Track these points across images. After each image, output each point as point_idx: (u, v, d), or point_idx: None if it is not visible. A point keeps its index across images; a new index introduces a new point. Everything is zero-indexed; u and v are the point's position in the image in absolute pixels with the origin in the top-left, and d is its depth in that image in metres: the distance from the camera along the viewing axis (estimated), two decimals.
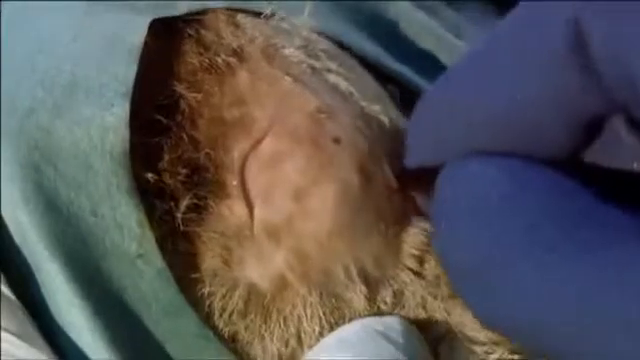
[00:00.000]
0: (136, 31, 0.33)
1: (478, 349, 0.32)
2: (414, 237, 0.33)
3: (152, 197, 0.32)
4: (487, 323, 0.25)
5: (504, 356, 0.32)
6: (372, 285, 0.32)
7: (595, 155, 0.24)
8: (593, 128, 0.23)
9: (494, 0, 0.52)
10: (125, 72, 0.32)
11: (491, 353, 0.32)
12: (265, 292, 0.32)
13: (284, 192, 0.32)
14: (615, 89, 0.21)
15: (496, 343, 0.32)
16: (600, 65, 0.21)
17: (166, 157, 0.32)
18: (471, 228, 0.24)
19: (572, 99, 0.22)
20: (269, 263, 0.32)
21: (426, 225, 0.33)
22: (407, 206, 0.33)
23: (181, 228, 0.32)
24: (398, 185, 0.33)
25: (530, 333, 0.23)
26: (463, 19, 0.48)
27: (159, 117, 0.33)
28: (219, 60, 0.34)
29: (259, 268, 0.32)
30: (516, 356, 0.32)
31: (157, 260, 0.31)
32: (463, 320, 0.32)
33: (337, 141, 0.32)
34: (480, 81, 0.25)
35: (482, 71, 0.25)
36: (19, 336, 0.30)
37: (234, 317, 0.32)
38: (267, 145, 0.32)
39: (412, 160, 0.28)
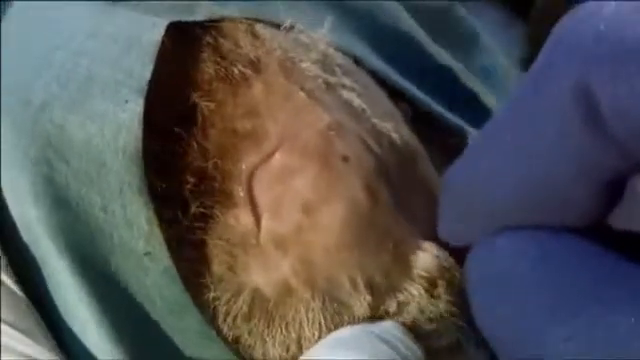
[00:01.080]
0: (153, 30, 0.33)
1: None
2: (424, 260, 0.33)
3: (159, 203, 0.32)
4: None
5: None
6: (377, 294, 0.32)
7: (619, 218, 0.24)
8: (615, 189, 0.23)
9: (512, 6, 0.53)
10: (141, 70, 0.32)
11: None
12: (269, 297, 0.32)
13: (293, 205, 0.32)
14: (630, 146, 0.21)
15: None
16: (612, 123, 0.21)
17: (175, 164, 0.33)
18: (502, 304, 0.24)
19: (591, 162, 0.22)
20: (275, 270, 0.32)
21: (438, 251, 0.33)
22: (416, 229, 0.34)
23: (187, 236, 0.32)
24: (406, 206, 0.33)
25: None
26: (481, 26, 0.48)
27: (171, 124, 0.33)
28: (235, 70, 0.34)
29: (264, 274, 0.32)
30: None
31: (164, 258, 0.31)
32: None
33: (346, 159, 0.33)
34: (497, 160, 0.25)
35: (498, 150, 0.25)
36: (22, 330, 0.30)
37: (238, 321, 0.32)
38: (277, 160, 0.32)
39: (443, 233, 0.29)
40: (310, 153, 0.32)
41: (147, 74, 0.32)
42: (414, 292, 0.32)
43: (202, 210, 0.32)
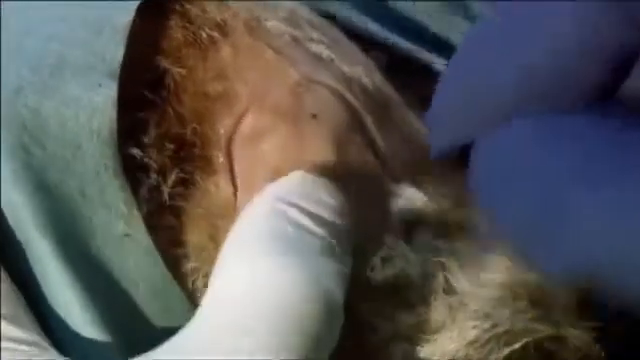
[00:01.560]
0: (124, 12, 0.33)
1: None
2: (400, 207, 0.33)
3: (139, 172, 0.32)
4: (557, 272, 0.25)
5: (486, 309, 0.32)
6: (360, 255, 0.32)
7: (629, 90, 0.24)
8: (628, 63, 0.23)
9: None
10: (112, 53, 0.32)
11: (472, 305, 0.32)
12: None
13: (264, 171, 0.32)
14: None
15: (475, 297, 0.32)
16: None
17: (153, 132, 0.33)
18: (517, 182, 0.24)
19: (607, 36, 0.22)
20: None
21: (411, 192, 0.33)
22: (392, 171, 0.34)
23: (168, 202, 0.33)
24: (380, 149, 0.34)
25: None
26: None
27: (145, 92, 0.33)
28: (203, 34, 0.34)
29: None
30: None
31: (144, 239, 0.32)
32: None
33: (315, 117, 0.33)
34: (506, 41, 0.25)
35: (506, 32, 0.25)
36: (8, 318, 0.30)
37: None
38: (248, 121, 0.33)
39: (438, 146, 0.29)
40: (279, 113, 0.32)
41: (119, 57, 0.32)
42: (395, 245, 0.33)
43: (182, 176, 0.33)
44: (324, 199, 0.30)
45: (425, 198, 0.33)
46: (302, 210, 0.29)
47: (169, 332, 0.31)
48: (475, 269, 0.32)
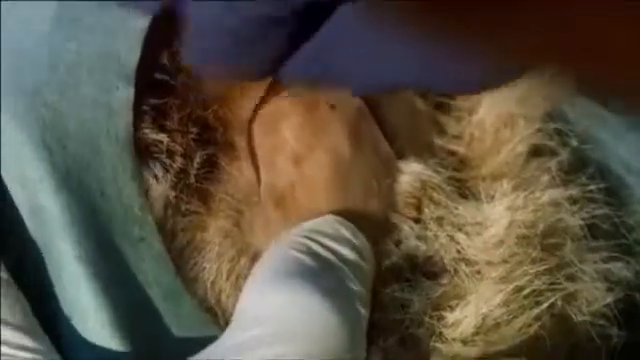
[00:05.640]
0: (139, 17, 0.33)
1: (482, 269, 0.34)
2: (406, 185, 0.35)
3: (166, 157, 0.32)
4: None
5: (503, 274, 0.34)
6: (371, 242, 0.34)
7: None
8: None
9: None
10: (127, 57, 0.32)
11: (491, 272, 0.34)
12: None
13: (285, 157, 0.33)
14: None
15: (491, 263, 0.34)
16: None
17: (175, 117, 0.33)
18: None
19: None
20: (275, 236, 0.33)
21: (415, 166, 0.35)
22: (397, 153, 0.35)
23: (195, 185, 0.33)
24: (388, 126, 0.35)
25: None
26: None
27: (164, 77, 0.33)
28: None
29: (266, 238, 0.33)
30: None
31: (157, 245, 0.32)
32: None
33: (333, 107, 0.34)
34: None
35: None
36: (16, 326, 0.30)
37: (241, 281, 0.33)
38: (268, 107, 0.34)
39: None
40: (299, 100, 0.34)
41: (134, 61, 0.32)
42: (405, 228, 0.34)
43: (207, 158, 0.33)
44: (348, 237, 0.32)
45: (428, 171, 0.35)
46: (325, 245, 0.31)
47: (180, 335, 0.33)
48: (479, 228, 0.34)
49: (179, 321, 0.32)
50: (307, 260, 0.31)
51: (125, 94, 0.32)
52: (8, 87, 0.32)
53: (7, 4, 0.34)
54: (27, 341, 0.30)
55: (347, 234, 0.32)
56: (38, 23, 0.33)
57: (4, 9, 0.33)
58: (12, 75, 0.32)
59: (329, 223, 0.33)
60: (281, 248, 0.31)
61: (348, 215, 0.33)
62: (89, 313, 0.31)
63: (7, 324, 0.30)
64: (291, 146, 0.33)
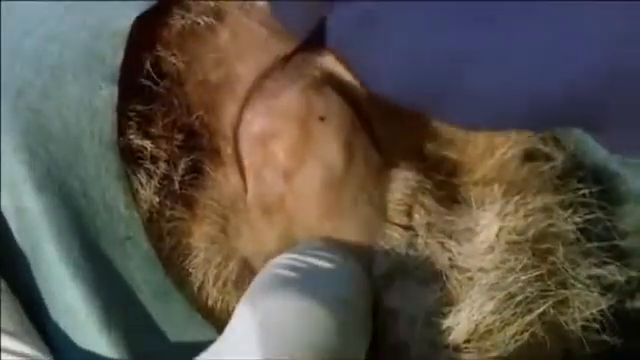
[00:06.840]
0: (123, 17, 0.33)
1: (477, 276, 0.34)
2: (397, 193, 0.34)
3: (150, 164, 0.32)
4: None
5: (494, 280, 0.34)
6: (360, 253, 0.33)
7: None
8: None
9: None
10: (111, 57, 0.32)
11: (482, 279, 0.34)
12: (257, 270, 0.32)
13: (274, 171, 0.33)
14: None
15: (483, 270, 0.34)
16: None
17: (160, 123, 0.33)
18: None
19: None
20: (263, 243, 0.33)
21: (406, 173, 0.34)
22: (389, 164, 0.35)
23: (179, 191, 0.32)
24: (381, 136, 0.35)
25: None
26: None
27: (148, 83, 0.33)
28: (201, 22, 0.34)
29: (253, 244, 0.33)
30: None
31: (144, 244, 0.32)
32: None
33: (322, 119, 0.33)
34: None
35: None
36: (12, 333, 0.30)
37: (228, 286, 0.33)
38: (258, 123, 0.33)
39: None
40: (289, 117, 0.33)
41: (118, 61, 0.32)
42: (396, 236, 0.34)
43: (192, 164, 0.33)
44: (338, 260, 0.32)
45: (419, 177, 0.34)
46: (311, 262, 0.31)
47: (172, 335, 0.32)
48: (469, 235, 0.34)
49: (170, 321, 0.32)
50: (293, 274, 0.30)
51: (108, 92, 0.31)
52: None
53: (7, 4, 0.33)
54: (26, 348, 0.29)
55: (337, 258, 0.32)
56: (21, 23, 0.32)
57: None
58: None
59: (318, 247, 0.32)
60: (267, 269, 0.31)
61: (339, 227, 0.33)
62: (79, 315, 0.31)
63: (6, 332, 0.29)
64: (281, 162, 0.33)
